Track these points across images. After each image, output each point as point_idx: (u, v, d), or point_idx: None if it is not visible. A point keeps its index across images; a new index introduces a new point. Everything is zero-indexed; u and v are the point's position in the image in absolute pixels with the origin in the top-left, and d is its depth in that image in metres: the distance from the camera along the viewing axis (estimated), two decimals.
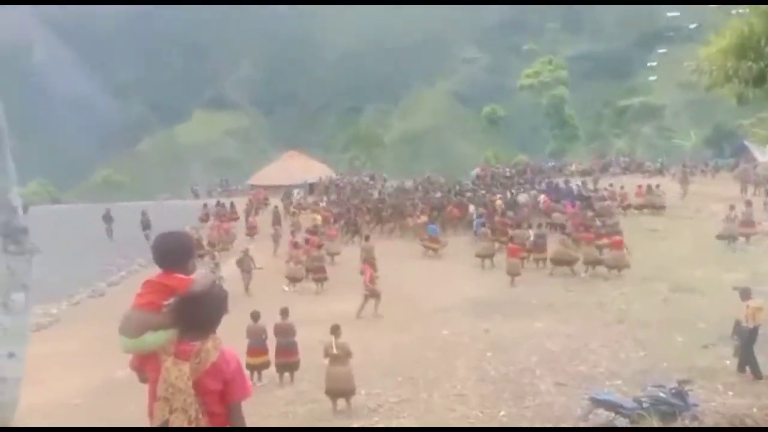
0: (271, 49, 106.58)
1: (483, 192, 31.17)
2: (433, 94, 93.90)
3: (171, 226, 3.39)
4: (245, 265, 19.27)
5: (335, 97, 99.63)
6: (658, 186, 28.85)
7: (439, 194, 30.55)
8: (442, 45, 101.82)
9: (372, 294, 15.79)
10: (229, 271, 19.22)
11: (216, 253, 21.20)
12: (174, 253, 3.12)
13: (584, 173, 41.10)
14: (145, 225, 26.54)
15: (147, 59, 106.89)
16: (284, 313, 11.96)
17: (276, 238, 24.59)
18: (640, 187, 28.86)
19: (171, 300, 2.94)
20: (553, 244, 20.10)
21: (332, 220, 27.51)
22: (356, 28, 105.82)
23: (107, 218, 28.55)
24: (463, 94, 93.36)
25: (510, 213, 24.97)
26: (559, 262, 19.22)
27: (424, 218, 25.67)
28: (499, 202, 27.04)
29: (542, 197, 28.20)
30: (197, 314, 2.92)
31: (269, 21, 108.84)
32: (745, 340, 9.82)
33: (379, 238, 25.01)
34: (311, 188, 40.46)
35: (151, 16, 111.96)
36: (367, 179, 42.58)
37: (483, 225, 23.46)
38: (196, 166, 78.19)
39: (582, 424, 8.20)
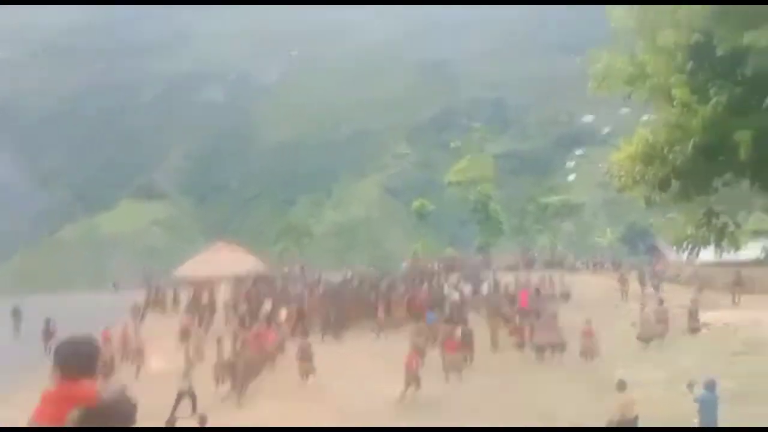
0: (203, 138, 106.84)
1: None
2: (364, 187, 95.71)
3: (83, 328, 3.20)
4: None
5: (267, 188, 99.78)
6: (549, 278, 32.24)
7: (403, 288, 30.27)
8: (373, 139, 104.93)
9: (412, 381, 16.00)
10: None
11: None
12: (78, 359, 2.92)
13: (509, 268, 42.20)
14: (48, 336, 22.90)
15: (71, 146, 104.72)
16: (202, 419, 11.36)
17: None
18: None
19: (75, 411, 2.72)
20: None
21: (295, 317, 26.46)
22: (289, 120, 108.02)
23: (15, 314, 26.56)
24: (393, 188, 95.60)
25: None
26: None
27: (401, 312, 26.13)
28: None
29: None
30: (106, 426, 2.71)
31: (201, 111, 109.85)
32: None
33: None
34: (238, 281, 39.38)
35: (77, 103, 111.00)
36: (297, 270, 42.06)
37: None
38: (119, 256, 75.44)
39: None
